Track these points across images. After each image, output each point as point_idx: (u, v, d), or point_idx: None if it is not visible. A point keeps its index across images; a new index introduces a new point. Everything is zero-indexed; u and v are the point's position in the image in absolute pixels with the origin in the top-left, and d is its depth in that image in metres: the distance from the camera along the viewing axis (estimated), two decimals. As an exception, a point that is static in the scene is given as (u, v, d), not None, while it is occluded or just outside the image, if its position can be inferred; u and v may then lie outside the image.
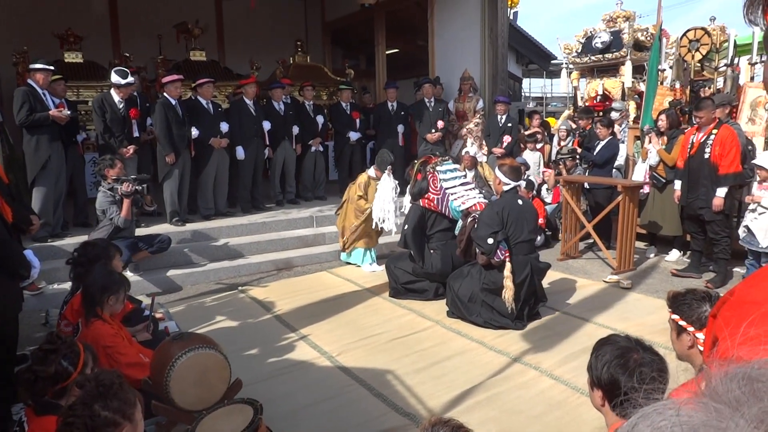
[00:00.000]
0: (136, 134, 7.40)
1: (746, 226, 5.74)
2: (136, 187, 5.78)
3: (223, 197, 8.13)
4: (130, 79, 7.14)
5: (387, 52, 12.49)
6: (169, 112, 7.24)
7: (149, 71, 11.27)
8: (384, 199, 6.56)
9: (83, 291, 3.49)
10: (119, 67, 7.64)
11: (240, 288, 6.37)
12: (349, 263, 7.14)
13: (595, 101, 9.61)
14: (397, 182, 6.69)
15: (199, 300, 6.00)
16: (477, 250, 4.99)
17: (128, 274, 6.13)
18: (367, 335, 4.88)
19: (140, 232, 6.68)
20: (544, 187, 8.88)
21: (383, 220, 6.55)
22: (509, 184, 5.06)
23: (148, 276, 6.38)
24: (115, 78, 6.99)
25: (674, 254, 7.16)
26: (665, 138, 6.98)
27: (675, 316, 2.27)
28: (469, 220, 5.19)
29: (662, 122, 7.03)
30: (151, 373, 3.06)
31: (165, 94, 7.41)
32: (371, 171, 6.93)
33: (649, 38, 9.04)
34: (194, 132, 7.51)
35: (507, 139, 9.20)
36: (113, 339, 3.29)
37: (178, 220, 7.38)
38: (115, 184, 5.81)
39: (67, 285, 4.96)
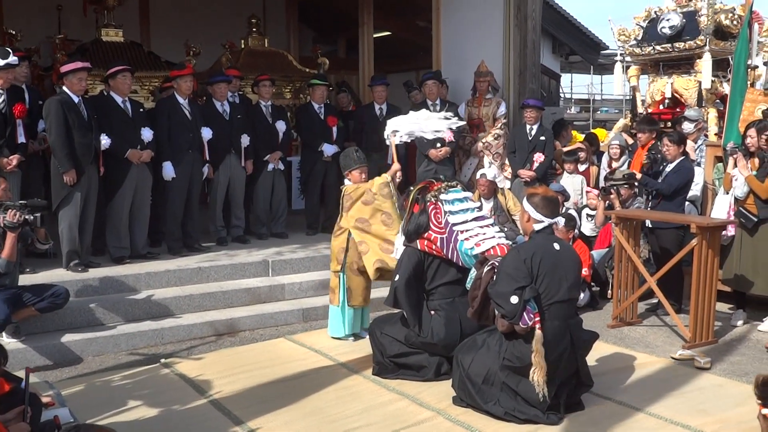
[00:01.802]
0: (21, 139, 7.40)
1: None
2: (26, 217, 5.75)
3: (143, 232, 8.12)
4: (13, 59, 7.16)
5: (375, 36, 12.64)
6: (69, 113, 7.24)
7: (43, 56, 11.30)
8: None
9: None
10: (-1, 46, 7.67)
11: (163, 361, 6.31)
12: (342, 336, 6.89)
13: (661, 107, 9.73)
14: None
15: (105, 377, 5.92)
16: (496, 312, 4.99)
17: (6, 340, 6.09)
18: (340, 430, 4.83)
19: (26, 280, 6.63)
20: (585, 212, 8.93)
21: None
22: (542, 221, 5.09)
23: (35, 342, 6.30)
24: (-10, 57, 7.03)
25: (771, 322, 7.20)
26: (756, 161, 7.07)
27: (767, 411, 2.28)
28: (486, 269, 5.19)
29: (752, 139, 7.10)
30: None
31: (64, 87, 7.43)
32: (346, 182, 6.91)
33: (735, 23, 9.20)
34: (104, 141, 7.52)
35: (539, 157, 9.28)
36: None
37: (78, 264, 7.34)
38: (-5, 212, 5.78)
39: None
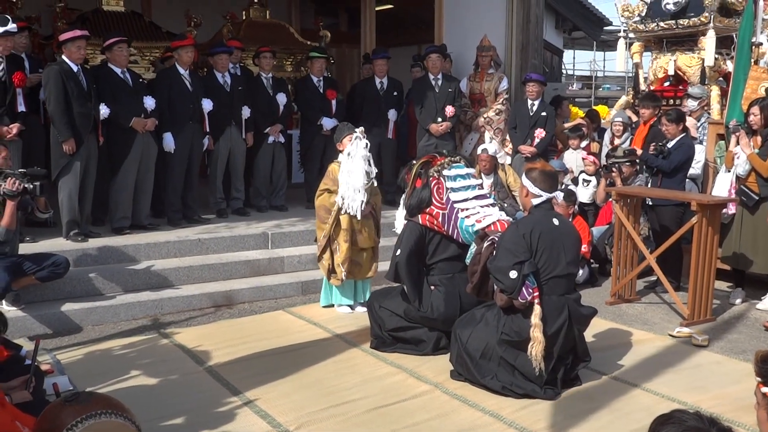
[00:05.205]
0: (21, 108, 7.38)
1: None
2: (26, 185, 5.74)
3: (147, 203, 8.13)
4: (12, 26, 7.13)
5: (377, 9, 12.58)
6: (68, 82, 7.22)
7: (44, 24, 11.25)
8: (351, 171, 6.58)
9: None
10: (-1, 13, 7.64)
11: (162, 331, 6.33)
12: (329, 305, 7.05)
13: (663, 84, 9.69)
14: (368, 143, 6.68)
15: (105, 346, 5.95)
16: (495, 287, 5.00)
17: (5, 308, 6.10)
18: (337, 402, 4.85)
19: (26, 248, 6.63)
20: (581, 177, 8.91)
21: (344, 200, 6.63)
22: (541, 196, 5.09)
23: (34, 311, 6.32)
24: (-11, 24, 7.00)
25: (769, 301, 7.21)
26: (759, 139, 7.06)
27: (766, 389, 2.27)
28: (486, 244, 5.19)
29: (755, 117, 7.09)
30: (32, 448, 3.03)
31: (63, 56, 7.41)
32: (341, 157, 6.91)
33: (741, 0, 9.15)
34: (103, 110, 7.50)
35: (540, 133, 9.26)
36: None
37: (78, 234, 7.35)
38: (-5, 180, 5.77)
39: None
